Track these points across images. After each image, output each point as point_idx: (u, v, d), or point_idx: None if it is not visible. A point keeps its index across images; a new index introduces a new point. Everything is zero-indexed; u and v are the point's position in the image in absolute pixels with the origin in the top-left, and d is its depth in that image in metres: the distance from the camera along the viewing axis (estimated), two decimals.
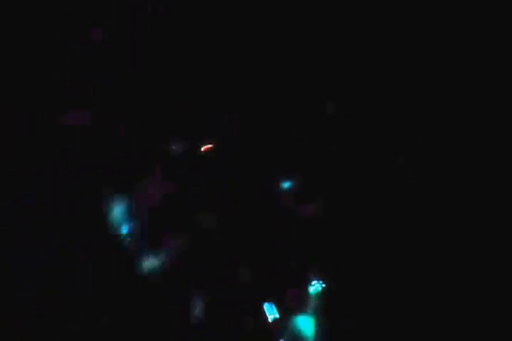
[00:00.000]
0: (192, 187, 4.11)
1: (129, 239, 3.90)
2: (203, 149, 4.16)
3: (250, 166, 4.17)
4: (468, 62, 4.20)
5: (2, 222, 3.89)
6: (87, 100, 4.10)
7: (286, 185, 4.14)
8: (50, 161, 4.03)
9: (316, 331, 3.91)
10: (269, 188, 4.15)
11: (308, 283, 4.00)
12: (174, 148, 4.13)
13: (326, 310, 4.00)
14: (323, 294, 4.01)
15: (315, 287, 3.96)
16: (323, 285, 3.99)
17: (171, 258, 3.96)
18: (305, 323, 3.91)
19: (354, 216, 4.14)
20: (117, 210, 3.89)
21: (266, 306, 3.93)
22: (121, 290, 3.92)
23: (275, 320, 3.92)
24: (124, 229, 3.89)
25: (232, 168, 4.16)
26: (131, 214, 3.91)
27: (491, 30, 4.20)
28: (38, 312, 3.82)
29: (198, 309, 3.92)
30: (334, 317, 4.00)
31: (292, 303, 4.02)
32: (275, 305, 3.95)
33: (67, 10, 4.12)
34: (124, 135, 4.12)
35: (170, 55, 4.22)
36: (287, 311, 3.97)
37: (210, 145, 4.16)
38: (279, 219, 4.11)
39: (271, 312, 3.91)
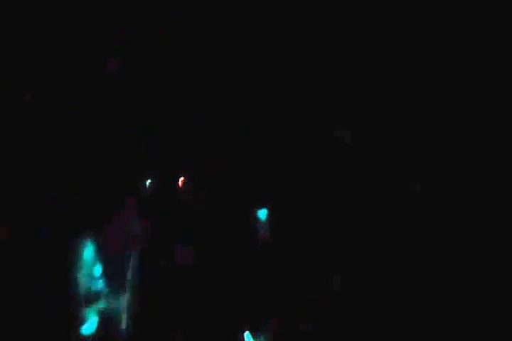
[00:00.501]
0: (167, 223, 4.02)
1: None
2: (180, 182, 4.07)
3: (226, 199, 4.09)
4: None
5: None
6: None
7: (262, 215, 4.04)
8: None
9: None
10: (246, 220, 4.07)
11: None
12: (148, 183, 4.04)
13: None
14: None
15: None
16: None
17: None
18: None
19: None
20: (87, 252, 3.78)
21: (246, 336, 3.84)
22: None
23: None
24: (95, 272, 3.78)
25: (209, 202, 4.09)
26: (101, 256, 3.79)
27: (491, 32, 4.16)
28: None
29: None
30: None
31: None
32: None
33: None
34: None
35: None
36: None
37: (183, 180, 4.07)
38: (257, 252, 4.03)
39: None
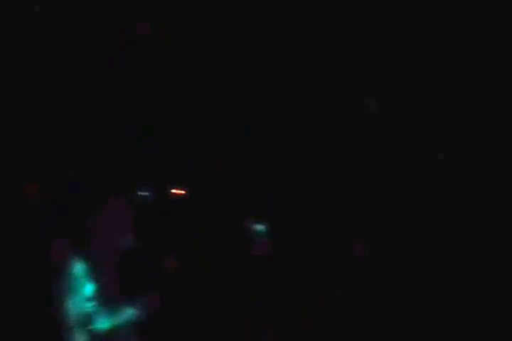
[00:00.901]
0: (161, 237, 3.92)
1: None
2: (174, 192, 3.98)
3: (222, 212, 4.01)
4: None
5: None
6: None
7: (260, 229, 3.93)
8: None
9: None
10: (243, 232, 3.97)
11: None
12: (142, 194, 3.95)
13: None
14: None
15: None
16: None
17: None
18: None
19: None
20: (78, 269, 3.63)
21: None
22: None
23: None
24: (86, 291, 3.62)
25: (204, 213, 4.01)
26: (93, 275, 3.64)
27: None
28: None
29: None
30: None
31: None
32: None
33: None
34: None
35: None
36: None
37: (179, 191, 3.97)
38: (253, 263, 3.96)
39: None
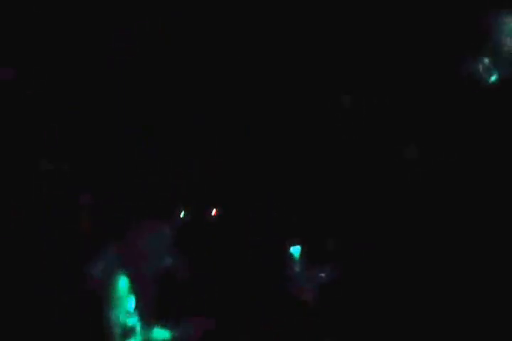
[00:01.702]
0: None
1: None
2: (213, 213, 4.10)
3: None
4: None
5: None
6: None
7: (295, 251, 4.04)
8: None
9: None
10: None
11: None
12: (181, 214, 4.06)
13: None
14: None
15: None
16: None
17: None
18: None
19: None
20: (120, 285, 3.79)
21: None
22: None
23: None
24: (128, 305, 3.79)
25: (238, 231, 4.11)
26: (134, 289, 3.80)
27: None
28: None
29: None
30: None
31: None
32: None
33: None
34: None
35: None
36: None
37: (215, 211, 4.09)
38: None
39: None
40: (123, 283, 3.78)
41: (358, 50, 4.24)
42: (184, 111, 4.21)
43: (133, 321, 3.78)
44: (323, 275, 3.99)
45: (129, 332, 3.76)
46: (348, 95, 4.25)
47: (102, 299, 3.74)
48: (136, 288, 3.81)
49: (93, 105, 4.10)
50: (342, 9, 4.24)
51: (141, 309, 3.79)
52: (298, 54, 4.25)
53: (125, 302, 3.77)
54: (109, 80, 4.10)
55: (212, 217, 4.07)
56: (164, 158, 4.16)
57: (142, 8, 4.17)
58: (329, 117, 4.24)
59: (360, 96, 4.23)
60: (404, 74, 4.23)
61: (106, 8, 4.13)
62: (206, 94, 4.21)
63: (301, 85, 4.24)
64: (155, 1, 4.19)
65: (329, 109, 4.24)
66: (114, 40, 4.11)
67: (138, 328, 3.77)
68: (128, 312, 3.77)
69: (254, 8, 4.21)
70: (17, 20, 4.06)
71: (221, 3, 4.21)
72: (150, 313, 3.81)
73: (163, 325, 3.81)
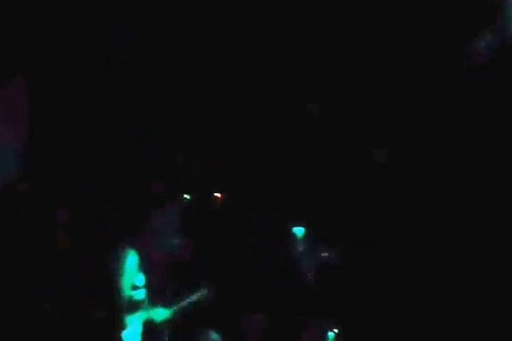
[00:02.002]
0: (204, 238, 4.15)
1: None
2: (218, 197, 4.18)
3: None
4: None
5: None
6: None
7: (298, 232, 4.15)
8: None
9: None
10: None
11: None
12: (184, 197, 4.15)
13: None
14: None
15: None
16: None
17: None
18: None
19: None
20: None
21: None
22: None
23: None
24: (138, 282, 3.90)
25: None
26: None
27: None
28: None
29: None
30: None
31: None
32: None
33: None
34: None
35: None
36: None
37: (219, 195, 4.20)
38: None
39: None
40: (133, 259, 3.91)
41: (358, 50, 4.33)
42: (183, 111, 4.32)
43: (140, 296, 3.89)
44: (325, 255, 4.09)
45: (135, 305, 3.87)
46: (348, 96, 4.35)
47: (111, 273, 3.86)
48: (144, 265, 3.93)
49: (93, 105, 4.18)
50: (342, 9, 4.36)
51: (149, 285, 3.91)
52: (298, 54, 4.34)
53: (134, 277, 3.89)
54: (109, 80, 4.17)
55: (218, 198, 4.20)
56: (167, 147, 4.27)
57: (142, 8, 4.23)
58: (329, 117, 4.35)
59: (360, 96, 4.33)
60: (404, 74, 4.34)
61: (106, 8, 4.18)
62: (206, 94, 4.32)
63: (301, 85, 4.34)
64: (155, 1, 4.26)
65: (329, 110, 4.35)
66: (114, 40, 4.17)
67: (144, 303, 3.89)
68: (136, 287, 3.89)
69: (254, 8, 4.29)
70: (17, 20, 4.08)
71: (221, 3, 4.30)
72: (157, 290, 3.93)
73: (169, 302, 3.93)
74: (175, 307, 3.92)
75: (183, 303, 3.94)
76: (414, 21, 4.23)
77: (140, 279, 3.91)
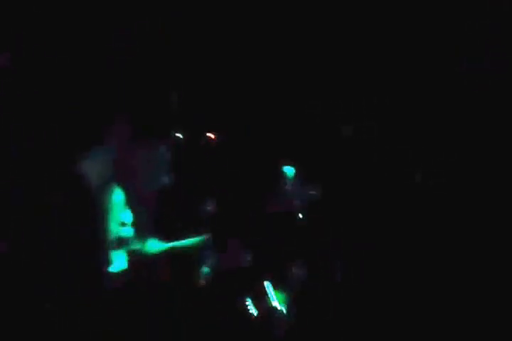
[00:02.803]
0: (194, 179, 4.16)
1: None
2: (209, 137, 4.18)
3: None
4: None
5: None
6: None
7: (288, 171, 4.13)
8: None
9: None
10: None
11: None
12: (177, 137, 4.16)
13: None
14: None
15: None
16: None
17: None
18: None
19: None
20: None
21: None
22: None
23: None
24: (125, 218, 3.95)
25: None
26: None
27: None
28: None
29: None
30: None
31: None
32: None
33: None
34: None
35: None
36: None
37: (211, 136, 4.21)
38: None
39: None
40: (119, 195, 3.95)
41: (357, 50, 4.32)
42: (184, 110, 4.30)
43: (127, 232, 3.94)
44: (313, 192, 4.07)
45: (122, 241, 3.91)
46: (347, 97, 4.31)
47: (97, 209, 3.91)
48: (131, 202, 3.97)
49: (93, 105, 4.18)
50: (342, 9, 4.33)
51: (136, 221, 3.95)
52: (298, 54, 4.33)
53: (120, 214, 3.93)
54: (109, 80, 4.16)
55: (209, 138, 4.20)
56: None
57: (142, 8, 4.24)
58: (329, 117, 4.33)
59: (359, 96, 4.30)
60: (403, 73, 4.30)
61: (106, 8, 4.20)
62: (206, 93, 4.31)
63: (301, 85, 4.33)
64: (155, 1, 4.27)
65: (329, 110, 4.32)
66: (114, 40, 4.18)
67: (131, 239, 3.93)
68: (123, 224, 3.93)
69: (254, 8, 4.29)
70: (17, 20, 4.13)
71: (221, 3, 4.30)
72: (144, 226, 3.97)
73: (156, 238, 3.96)
74: (170, 244, 3.96)
75: (179, 243, 3.97)
76: (414, 21, 4.25)
77: (127, 216, 3.95)
